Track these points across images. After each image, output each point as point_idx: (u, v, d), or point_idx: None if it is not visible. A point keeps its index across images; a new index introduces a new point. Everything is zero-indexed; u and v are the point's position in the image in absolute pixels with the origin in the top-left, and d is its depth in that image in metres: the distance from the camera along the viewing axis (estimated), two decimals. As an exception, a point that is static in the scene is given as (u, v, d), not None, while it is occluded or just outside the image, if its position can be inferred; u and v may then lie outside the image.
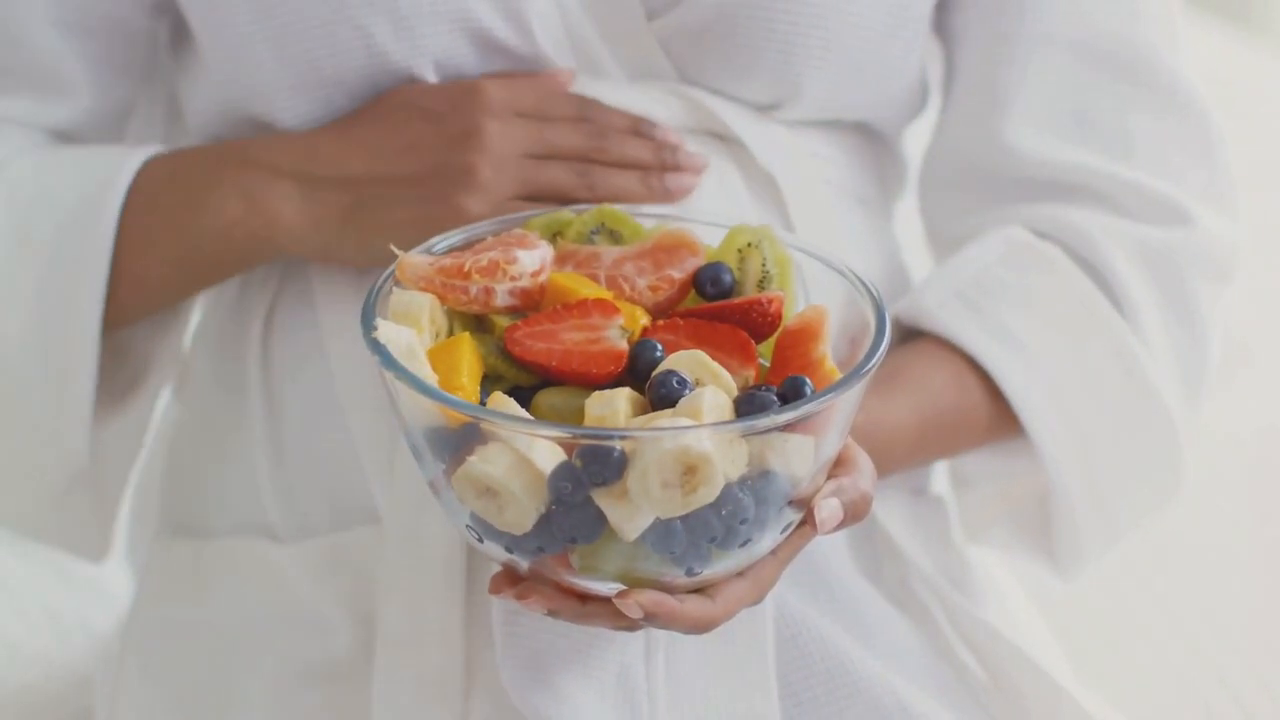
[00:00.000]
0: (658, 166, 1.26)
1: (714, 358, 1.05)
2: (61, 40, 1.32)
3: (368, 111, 1.27)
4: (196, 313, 1.43)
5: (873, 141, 1.39)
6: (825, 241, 1.26)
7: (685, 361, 1.05)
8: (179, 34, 1.35)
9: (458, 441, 1.02)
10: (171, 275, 1.30)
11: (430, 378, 1.04)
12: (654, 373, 1.04)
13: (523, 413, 1.04)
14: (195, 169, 1.29)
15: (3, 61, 1.32)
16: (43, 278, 1.29)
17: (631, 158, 1.26)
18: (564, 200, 1.25)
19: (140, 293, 1.31)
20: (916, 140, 1.43)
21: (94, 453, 1.34)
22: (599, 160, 1.26)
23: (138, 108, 1.41)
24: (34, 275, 1.28)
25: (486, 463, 1.01)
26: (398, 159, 1.25)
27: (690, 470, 0.99)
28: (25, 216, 1.29)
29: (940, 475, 1.42)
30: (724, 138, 1.31)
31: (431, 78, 1.27)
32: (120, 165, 1.30)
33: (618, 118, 1.27)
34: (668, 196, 1.26)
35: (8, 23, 1.31)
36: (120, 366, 1.37)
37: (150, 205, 1.29)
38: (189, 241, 1.29)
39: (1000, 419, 1.31)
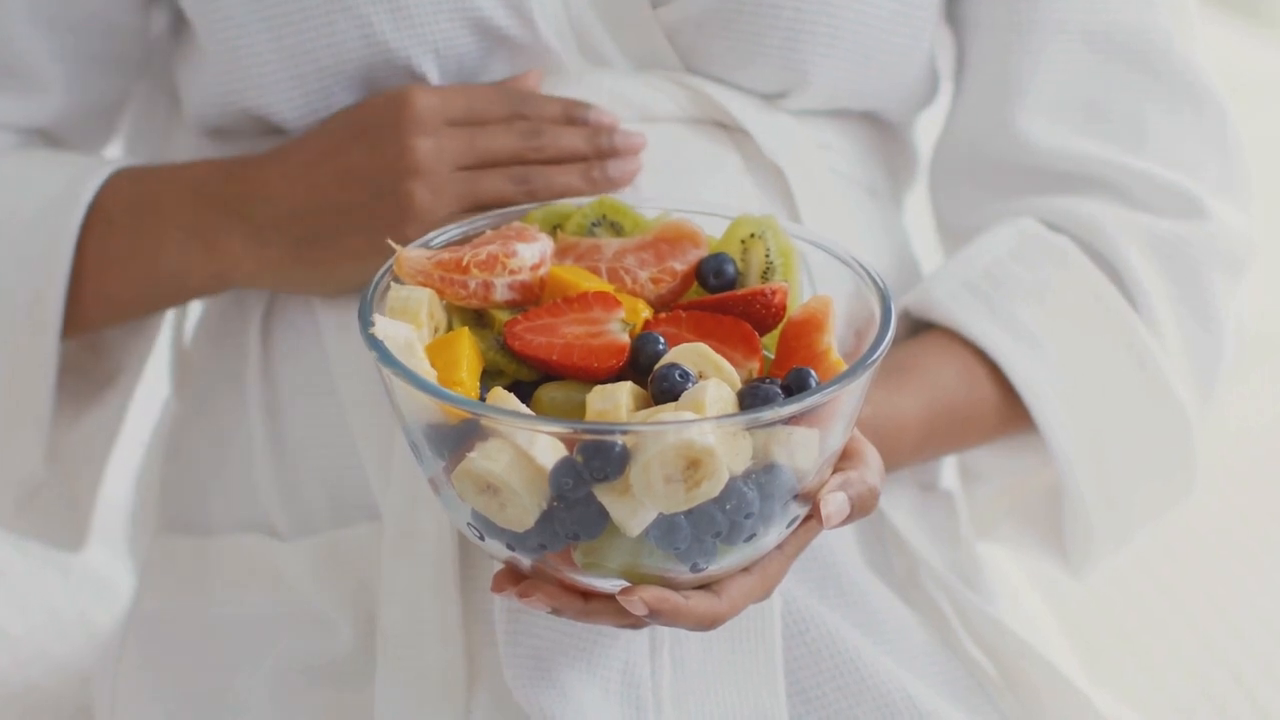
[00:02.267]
0: (595, 155, 1.25)
1: (717, 350, 1.05)
2: (36, 37, 1.31)
3: (308, 133, 1.27)
4: (195, 309, 1.43)
5: (882, 131, 1.38)
6: (833, 233, 1.25)
7: (688, 354, 1.04)
8: (177, 25, 1.35)
9: (457, 438, 1.02)
10: (134, 299, 1.31)
11: (429, 374, 1.04)
12: (656, 366, 1.04)
13: (523, 408, 1.03)
14: (149, 206, 1.29)
15: None
16: (2, 293, 1.29)
17: (568, 150, 1.25)
18: (508, 206, 1.23)
19: (104, 309, 1.32)
20: (927, 130, 1.42)
21: (55, 459, 1.35)
22: (536, 160, 1.25)
23: (131, 100, 1.40)
24: None
25: (487, 459, 1.00)
26: (337, 190, 1.24)
27: (694, 464, 0.98)
28: None
29: (950, 470, 1.42)
30: (729, 128, 1.30)
31: (432, 69, 1.26)
32: (81, 183, 1.29)
33: (550, 106, 1.26)
34: (610, 185, 1.25)
35: None
36: (96, 360, 1.38)
37: (109, 231, 1.29)
38: (147, 277, 1.29)
39: (1010, 412, 1.30)
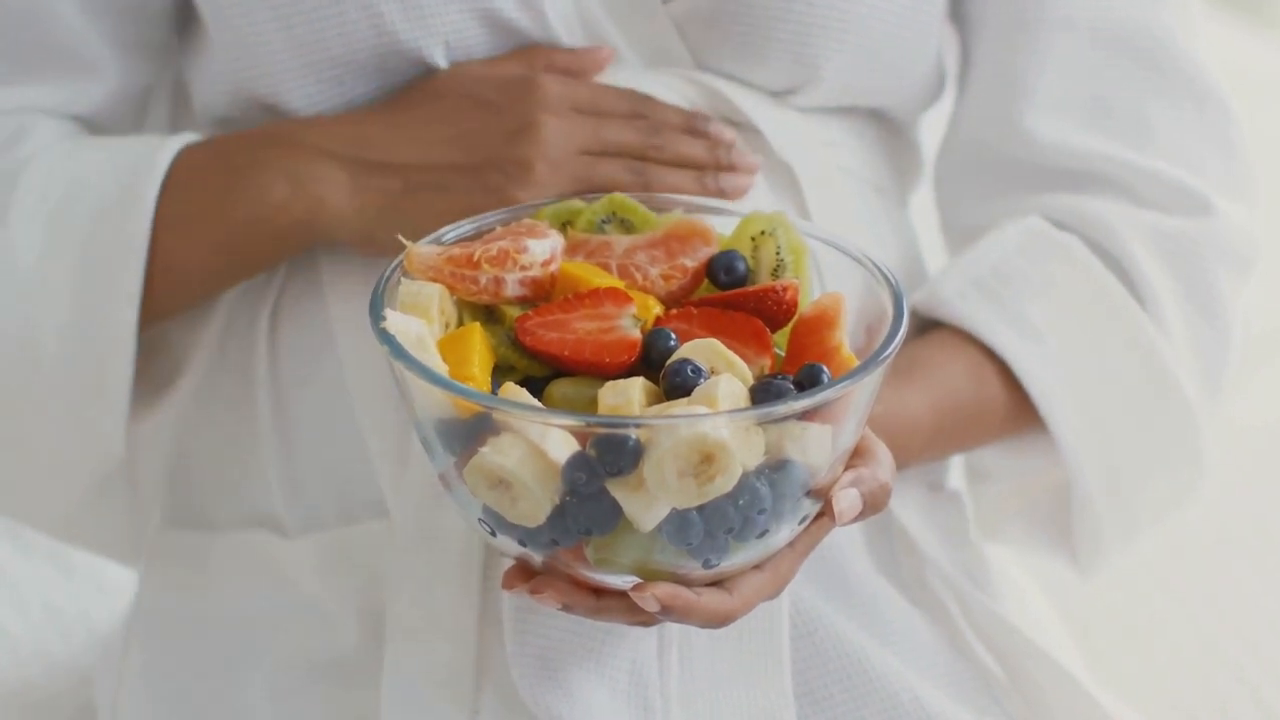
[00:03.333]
0: (713, 165, 1.26)
1: (729, 346, 1.04)
2: (88, 21, 1.31)
3: (417, 95, 1.26)
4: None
5: (889, 129, 1.38)
6: (841, 230, 1.24)
7: (700, 350, 1.04)
8: (185, 17, 1.35)
9: (469, 432, 1.01)
10: (209, 263, 1.29)
11: (440, 368, 1.03)
12: (668, 362, 1.03)
13: (535, 402, 1.03)
14: (238, 151, 1.28)
15: (30, 46, 1.31)
16: (79, 270, 1.28)
17: (686, 156, 1.26)
18: None
19: (177, 283, 1.30)
20: (932, 129, 1.42)
21: (129, 448, 1.34)
22: (654, 158, 1.26)
23: (155, 93, 1.40)
24: (70, 268, 1.28)
25: (499, 454, 1.00)
26: (449, 148, 1.24)
27: (707, 459, 0.98)
28: (59, 208, 1.28)
29: (957, 470, 1.41)
30: (739, 124, 1.30)
31: (441, 60, 1.26)
32: (156, 151, 1.29)
33: (673, 114, 1.27)
34: (722, 196, 1.26)
35: (34, 7, 1.30)
36: (154, 364, 1.36)
37: (188, 190, 1.28)
38: (229, 225, 1.27)
39: (1018, 411, 1.30)
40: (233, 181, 1.27)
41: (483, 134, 1.24)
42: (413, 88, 1.27)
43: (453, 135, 1.25)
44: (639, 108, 1.26)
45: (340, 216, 1.25)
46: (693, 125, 1.27)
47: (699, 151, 1.26)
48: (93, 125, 1.36)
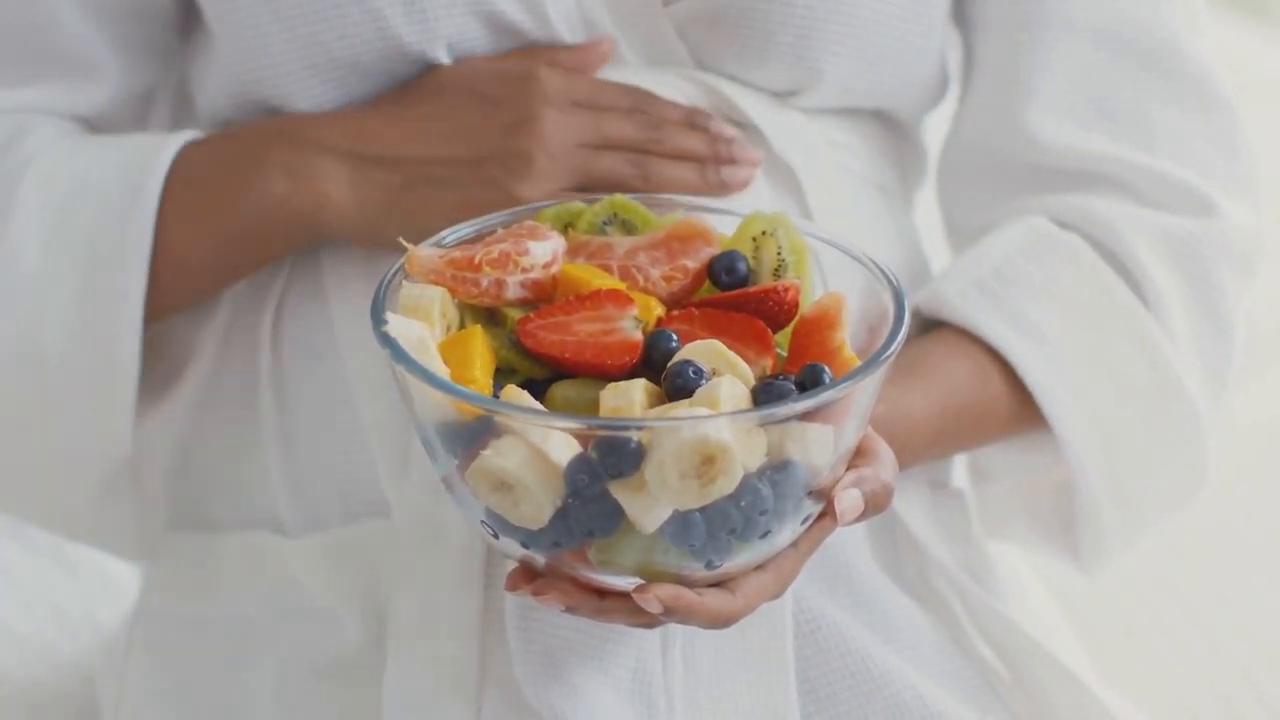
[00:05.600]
0: (713, 159, 1.26)
1: (730, 347, 1.04)
2: (89, 24, 1.31)
3: (418, 90, 1.26)
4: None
5: (892, 130, 1.38)
6: (844, 230, 1.24)
7: (701, 351, 1.04)
8: (188, 18, 1.35)
9: (471, 435, 1.01)
10: (212, 258, 1.29)
11: (442, 371, 1.03)
12: (669, 363, 1.03)
13: (537, 405, 1.02)
14: (239, 146, 1.28)
15: (32, 48, 1.32)
16: (83, 268, 1.28)
17: (686, 149, 1.26)
18: (619, 190, 1.24)
19: (181, 279, 1.30)
20: (935, 129, 1.42)
21: (136, 446, 1.34)
22: (654, 151, 1.26)
23: (157, 94, 1.40)
24: (74, 266, 1.28)
25: (501, 456, 1.00)
26: (450, 142, 1.24)
27: (708, 460, 0.98)
28: (63, 206, 1.28)
29: (960, 468, 1.41)
30: (741, 125, 1.30)
31: (444, 61, 1.26)
32: (159, 148, 1.29)
33: (672, 110, 1.27)
34: (724, 189, 1.26)
35: (36, 8, 1.30)
36: (157, 361, 1.36)
37: (191, 186, 1.28)
38: (232, 221, 1.28)
39: (1021, 411, 1.30)
40: (234, 177, 1.27)
41: (483, 128, 1.24)
42: (413, 83, 1.27)
43: (453, 129, 1.25)
44: (639, 103, 1.27)
45: (342, 211, 1.25)
46: (693, 120, 1.27)
47: (699, 145, 1.26)
48: (95, 126, 1.36)
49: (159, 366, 1.36)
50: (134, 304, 1.27)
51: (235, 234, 1.28)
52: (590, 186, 1.24)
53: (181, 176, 1.28)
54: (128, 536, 1.40)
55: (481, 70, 1.26)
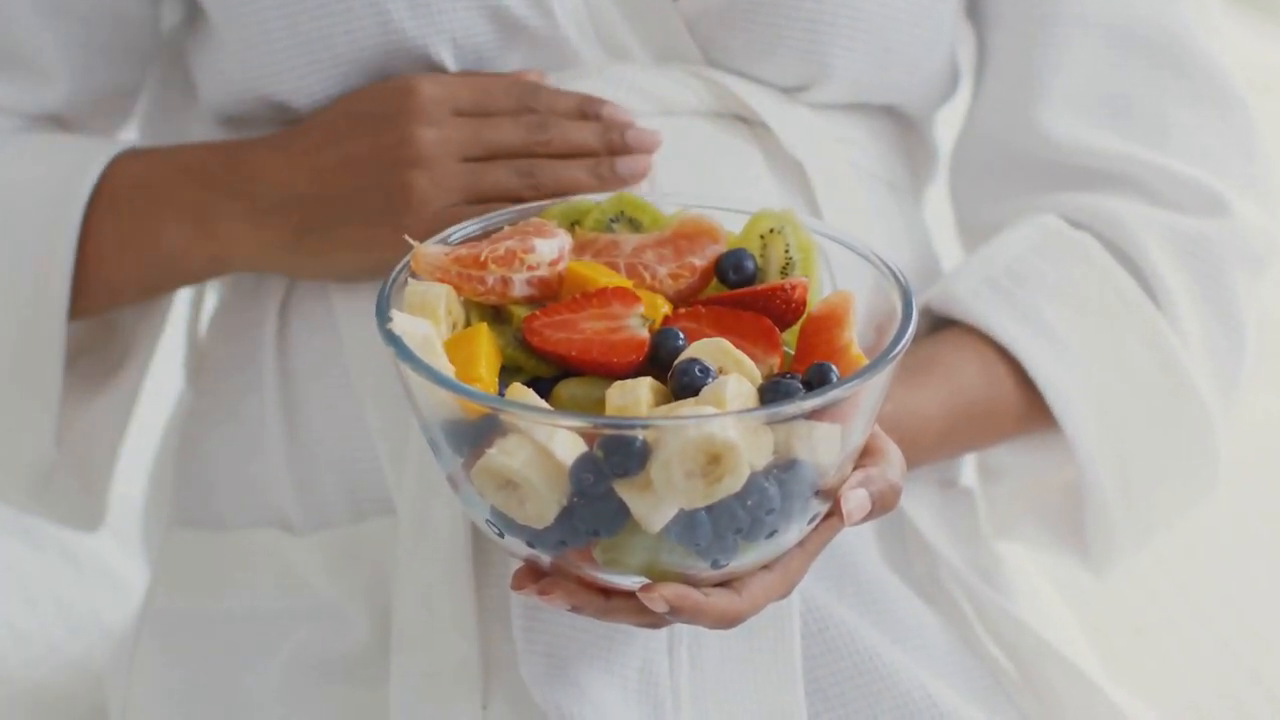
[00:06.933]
0: (606, 151, 1.24)
1: (737, 345, 1.04)
2: (42, 27, 1.31)
3: (312, 119, 1.26)
4: (211, 299, 1.43)
5: (902, 126, 1.38)
6: (854, 227, 1.24)
7: (708, 350, 1.03)
8: (193, 15, 1.34)
9: (476, 434, 1.01)
10: (136, 282, 1.31)
11: (447, 370, 1.03)
12: (676, 361, 1.03)
13: (542, 403, 1.02)
14: (151, 188, 1.29)
15: None
16: (6, 274, 1.29)
17: (577, 144, 1.23)
18: (511, 202, 1.22)
19: (108, 293, 1.32)
20: (947, 125, 1.41)
21: (68, 441, 1.35)
22: (543, 153, 1.23)
23: (145, 89, 1.40)
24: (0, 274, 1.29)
25: (506, 455, 1.00)
26: (337, 178, 1.23)
27: (714, 459, 0.98)
28: None
29: (969, 467, 1.41)
30: (750, 121, 1.29)
31: (449, 58, 1.26)
32: (86, 165, 1.29)
33: (563, 100, 1.24)
34: (620, 183, 1.23)
35: None
36: (108, 342, 1.37)
37: (113, 212, 1.29)
38: (146, 261, 1.29)
39: (1031, 410, 1.30)
40: (142, 224, 1.28)
41: (365, 157, 1.23)
42: (312, 113, 1.27)
43: (339, 159, 1.24)
44: (525, 99, 1.24)
45: (246, 256, 1.27)
46: (585, 110, 1.24)
47: (589, 138, 1.24)
48: (62, 122, 1.36)
49: (109, 349, 1.38)
50: (56, 322, 1.29)
51: (152, 268, 1.30)
52: (480, 201, 1.22)
53: (105, 201, 1.29)
54: (77, 511, 1.41)
55: (365, 89, 1.25)
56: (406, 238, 1.12)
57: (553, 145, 1.23)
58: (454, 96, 1.23)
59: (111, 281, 1.31)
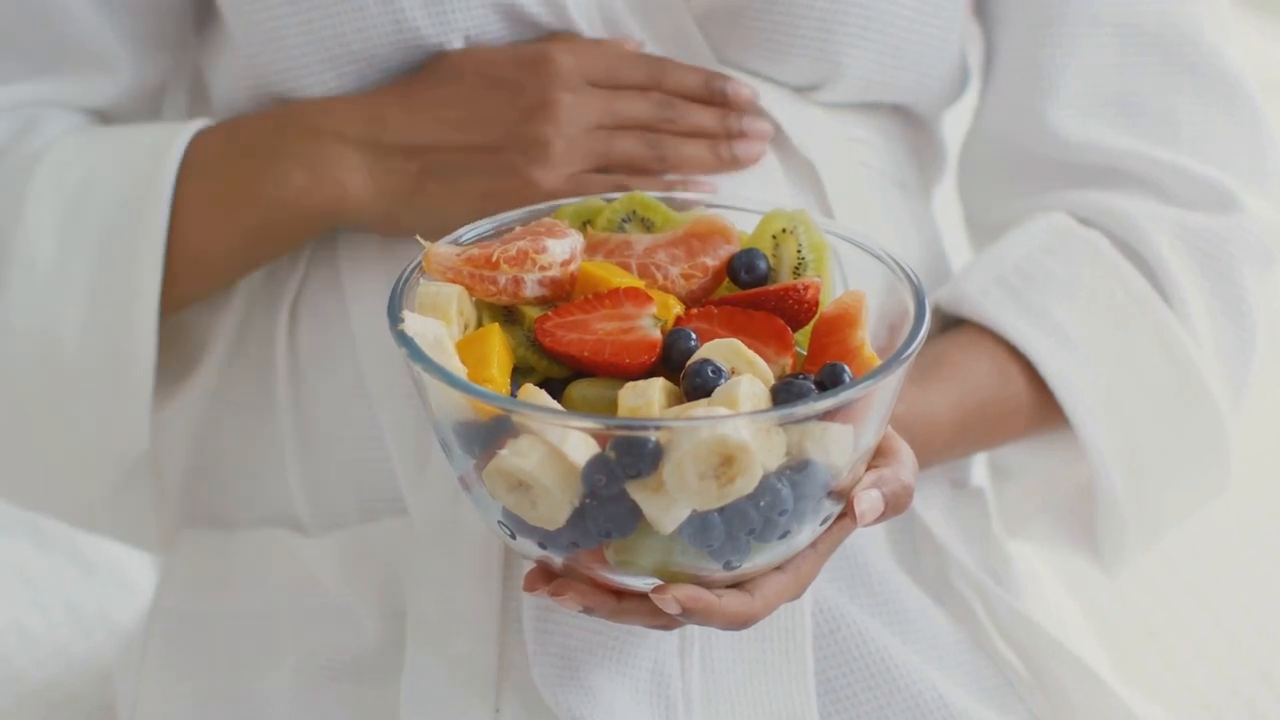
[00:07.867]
0: (724, 134, 1.26)
1: (749, 346, 1.04)
2: (100, 17, 1.31)
3: (433, 76, 1.26)
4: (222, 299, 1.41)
5: (912, 125, 1.38)
6: (864, 227, 1.24)
7: (720, 350, 1.03)
8: (204, 12, 1.34)
9: (488, 435, 1.01)
10: (229, 248, 1.29)
11: (459, 370, 1.03)
12: (688, 362, 1.03)
13: (555, 404, 1.02)
14: (255, 136, 1.28)
15: (43, 41, 1.31)
16: (97, 261, 1.28)
17: (699, 126, 1.26)
18: (635, 171, 1.25)
19: (197, 270, 1.30)
20: (955, 125, 1.41)
21: (153, 438, 1.34)
22: (667, 130, 1.26)
23: (169, 87, 1.39)
24: (87, 260, 1.28)
25: (518, 456, 0.99)
26: (467, 128, 1.24)
27: (727, 461, 0.98)
28: (74, 199, 1.28)
29: (980, 467, 1.41)
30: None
31: None
32: (171, 139, 1.29)
33: (690, 76, 1.27)
34: (735, 164, 1.26)
35: (45, 3, 1.29)
36: (175, 351, 1.36)
37: (205, 178, 1.28)
38: (249, 212, 1.28)
39: (1043, 409, 1.29)
40: (251, 169, 1.27)
41: (499, 113, 1.24)
42: (427, 67, 1.27)
43: (469, 115, 1.25)
44: (655, 75, 1.26)
45: (360, 201, 1.25)
46: (711, 85, 1.27)
47: (711, 122, 1.26)
48: (107, 119, 1.36)
49: (174, 359, 1.36)
50: (149, 300, 1.27)
51: (253, 226, 1.28)
52: (607, 168, 1.25)
53: (195, 168, 1.28)
54: (148, 528, 1.40)
55: (496, 54, 1.26)
56: (418, 238, 1.12)
57: (677, 124, 1.26)
58: (588, 67, 1.25)
59: (202, 252, 1.29)
